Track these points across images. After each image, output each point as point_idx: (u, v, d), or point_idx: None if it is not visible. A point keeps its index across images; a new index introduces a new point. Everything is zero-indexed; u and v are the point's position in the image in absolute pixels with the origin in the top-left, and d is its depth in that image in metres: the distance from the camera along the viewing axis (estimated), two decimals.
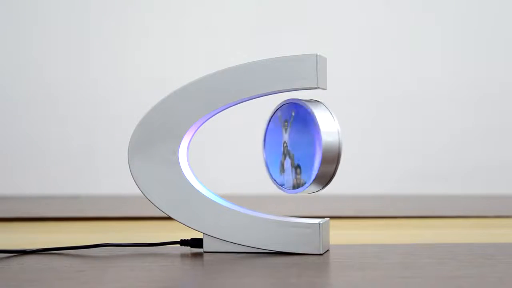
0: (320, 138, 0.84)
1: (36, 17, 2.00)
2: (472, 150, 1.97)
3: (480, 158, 1.96)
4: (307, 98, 0.87)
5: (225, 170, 1.92)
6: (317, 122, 0.84)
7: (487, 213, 1.38)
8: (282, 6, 1.99)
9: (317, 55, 0.85)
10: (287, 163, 0.87)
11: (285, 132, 0.87)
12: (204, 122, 0.89)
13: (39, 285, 0.74)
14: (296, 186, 0.86)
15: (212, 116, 0.89)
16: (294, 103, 0.86)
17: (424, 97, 1.98)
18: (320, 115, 0.85)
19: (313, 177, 0.85)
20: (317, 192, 0.87)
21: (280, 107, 0.87)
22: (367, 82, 1.97)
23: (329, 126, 0.85)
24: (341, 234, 1.06)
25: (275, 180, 0.88)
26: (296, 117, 0.86)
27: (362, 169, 1.93)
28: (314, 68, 0.85)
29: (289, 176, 0.87)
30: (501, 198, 1.76)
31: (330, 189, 0.88)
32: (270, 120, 0.88)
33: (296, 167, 0.86)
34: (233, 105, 0.88)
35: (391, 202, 1.69)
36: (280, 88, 0.86)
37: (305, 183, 0.86)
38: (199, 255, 0.88)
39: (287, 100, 0.87)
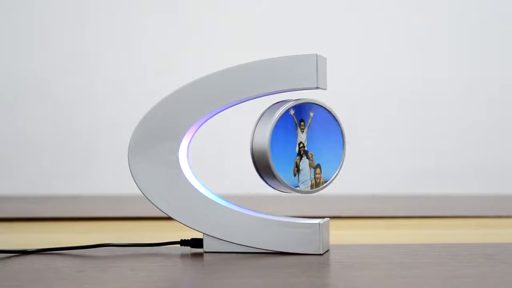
0: (343, 137, 0.87)
1: (36, 16, 2.00)
2: (472, 150, 1.97)
3: (480, 158, 1.96)
4: (302, 98, 0.87)
5: (225, 170, 1.92)
6: (339, 121, 0.86)
7: (487, 213, 1.38)
8: (282, 6, 1.99)
9: (317, 55, 0.85)
10: (304, 163, 0.86)
11: (302, 132, 0.86)
12: (204, 122, 0.89)
13: (39, 285, 0.74)
14: (315, 185, 0.86)
15: (212, 116, 0.89)
16: (311, 103, 0.86)
17: (425, 98, 1.98)
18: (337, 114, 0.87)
19: (336, 175, 0.87)
20: (317, 192, 0.87)
21: (292, 107, 0.86)
22: (367, 82, 1.97)
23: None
24: (341, 234, 1.06)
25: (286, 183, 0.86)
26: (315, 116, 0.86)
27: (362, 169, 1.93)
28: (314, 68, 0.85)
29: (306, 177, 0.86)
30: (501, 198, 1.76)
31: (330, 189, 0.88)
32: (276, 124, 0.85)
33: (316, 167, 0.86)
34: (233, 105, 0.88)
35: (391, 202, 1.69)
36: (280, 88, 0.86)
37: (326, 181, 0.87)
38: (199, 255, 0.88)
39: (298, 99, 0.86)
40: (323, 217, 0.90)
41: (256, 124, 0.86)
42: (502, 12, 2.00)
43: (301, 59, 0.85)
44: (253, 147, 0.86)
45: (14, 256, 0.89)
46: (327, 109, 0.87)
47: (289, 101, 0.86)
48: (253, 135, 0.86)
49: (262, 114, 0.87)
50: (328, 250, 0.89)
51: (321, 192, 0.87)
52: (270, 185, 0.87)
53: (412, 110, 1.98)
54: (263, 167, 0.86)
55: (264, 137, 0.85)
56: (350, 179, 1.88)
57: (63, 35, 2.01)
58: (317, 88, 0.85)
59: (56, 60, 2.00)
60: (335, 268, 0.81)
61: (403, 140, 1.98)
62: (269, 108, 0.87)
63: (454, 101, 1.98)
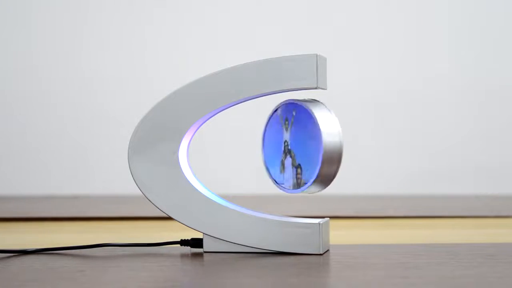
0: (321, 139, 0.84)
1: (34, 16, 2.00)
2: (472, 150, 1.97)
3: (480, 158, 1.96)
4: (307, 98, 0.87)
5: (225, 170, 1.92)
6: (318, 122, 0.85)
7: (487, 213, 1.37)
8: (282, 6, 1.99)
9: (317, 55, 0.85)
10: (288, 162, 0.87)
11: (286, 131, 0.87)
12: (204, 122, 0.89)
13: (39, 285, 0.74)
14: (297, 185, 0.86)
15: (212, 116, 0.89)
16: (294, 102, 0.86)
17: (425, 97, 1.98)
18: (321, 115, 0.85)
19: (314, 177, 0.85)
20: (317, 192, 0.87)
21: (281, 106, 0.88)
22: (367, 82, 1.97)
23: (330, 126, 0.85)
24: (341, 234, 1.06)
25: (274, 180, 0.88)
26: (297, 116, 0.87)
27: (362, 169, 1.93)
28: (314, 68, 0.85)
29: (289, 175, 0.87)
30: (501, 198, 1.76)
31: (330, 189, 0.88)
32: (269, 119, 0.89)
33: (297, 167, 0.86)
34: (233, 105, 0.88)
35: (391, 202, 1.69)
36: (280, 88, 0.86)
37: (306, 183, 0.86)
38: (199, 255, 0.88)
39: (288, 99, 0.87)
40: (323, 217, 0.90)
41: None
42: (501, 11, 1.99)
43: (301, 59, 0.85)
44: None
45: (14, 256, 0.89)
46: (306, 108, 0.86)
47: (295, 100, 0.87)
48: None
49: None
50: (328, 250, 0.89)
51: (321, 192, 0.87)
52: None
53: (412, 109, 1.98)
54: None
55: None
56: (350, 179, 1.88)
57: (62, 34, 2.01)
58: (317, 88, 0.85)
59: (56, 59, 2.00)
60: (335, 268, 0.81)
61: (403, 140, 1.98)
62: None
63: (454, 101, 1.98)
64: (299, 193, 0.87)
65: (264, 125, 0.89)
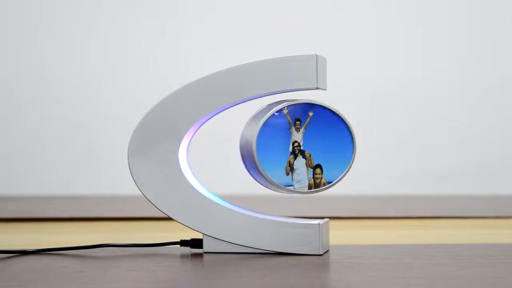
0: (353, 140, 0.86)
1: (38, 16, 2.00)
2: (472, 150, 1.97)
3: (480, 158, 1.96)
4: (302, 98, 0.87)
5: (225, 170, 1.92)
6: (348, 123, 0.86)
7: (487, 213, 1.38)
8: (282, 6, 1.99)
9: (317, 55, 0.85)
10: (300, 163, 0.86)
11: (297, 132, 0.86)
12: (204, 122, 0.89)
13: (39, 285, 0.74)
14: (315, 185, 0.86)
15: (213, 116, 0.89)
16: (310, 103, 0.86)
17: (424, 97, 1.98)
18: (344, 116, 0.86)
19: (342, 175, 0.86)
20: (317, 193, 0.87)
21: (289, 106, 0.86)
22: (367, 82, 1.98)
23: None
24: (341, 235, 1.06)
25: (274, 182, 0.87)
26: (315, 117, 0.86)
27: (362, 169, 1.93)
28: (314, 69, 0.85)
29: (302, 176, 0.86)
30: (501, 198, 1.76)
31: (330, 189, 0.88)
32: (267, 122, 0.86)
33: (316, 167, 0.86)
34: (233, 105, 0.88)
35: (391, 202, 1.69)
36: (280, 88, 0.86)
37: (329, 182, 0.86)
38: (199, 255, 0.88)
39: (290, 100, 0.86)
40: (323, 217, 0.90)
41: (246, 124, 0.88)
42: (501, 11, 2.00)
43: (301, 59, 0.85)
44: (241, 146, 0.88)
45: (14, 256, 0.89)
46: (332, 110, 0.86)
47: (283, 101, 0.86)
48: (242, 134, 0.87)
49: (254, 115, 0.87)
50: (328, 251, 0.89)
51: (321, 192, 0.87)
52: (260, 183, 0.88)
53: (412, 109, 1.98)
54: (251, 165, 0.87)
55: (252, 136, 0.86)
56: (350, 179, 1.88)
57: (63, 35, 2.01)
58: (317, 88, 0.85)
59: (57, 60, 2.00)
60: (335, 268, 0.81)
61: (403, 140, 1.98)
62: (261, 109, 0.87)
63: (453, 101, 1.98)
64: (298, 194, 0.87)
65: (259, 128, 0.86)
